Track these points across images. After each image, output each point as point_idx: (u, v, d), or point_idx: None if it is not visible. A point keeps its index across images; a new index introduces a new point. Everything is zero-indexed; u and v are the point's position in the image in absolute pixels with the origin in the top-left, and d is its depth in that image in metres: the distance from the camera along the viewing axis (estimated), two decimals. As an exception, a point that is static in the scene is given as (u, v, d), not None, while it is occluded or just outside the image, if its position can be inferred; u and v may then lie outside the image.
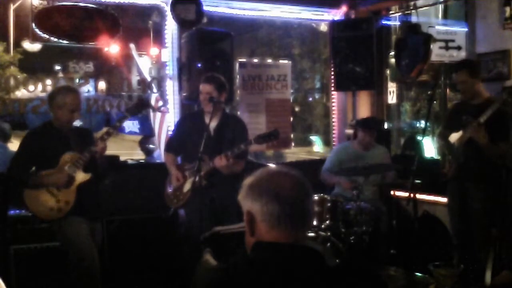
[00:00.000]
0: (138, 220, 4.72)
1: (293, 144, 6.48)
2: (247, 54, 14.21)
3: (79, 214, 3.75)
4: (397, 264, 4.00)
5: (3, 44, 14.73)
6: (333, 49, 6.13)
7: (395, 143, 6.79)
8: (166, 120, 5.57)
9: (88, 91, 7.33)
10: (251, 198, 1.59)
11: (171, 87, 5.41)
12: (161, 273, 4.58)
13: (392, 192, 5.24)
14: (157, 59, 12.61)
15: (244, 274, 1.52)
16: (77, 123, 4.16)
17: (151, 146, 6.88)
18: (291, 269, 1.50)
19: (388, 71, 6.45)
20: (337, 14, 6.29)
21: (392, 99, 6.63)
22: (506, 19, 4.83)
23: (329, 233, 4.12)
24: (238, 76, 5.75)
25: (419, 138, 5.98)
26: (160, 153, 6.10)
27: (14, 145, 5.38)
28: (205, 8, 5.28)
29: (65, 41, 5.34)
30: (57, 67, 17.87)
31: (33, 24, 5.04)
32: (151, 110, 5.74)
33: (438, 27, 6.79)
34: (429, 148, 7.91)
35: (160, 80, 5.61)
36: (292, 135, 6.30)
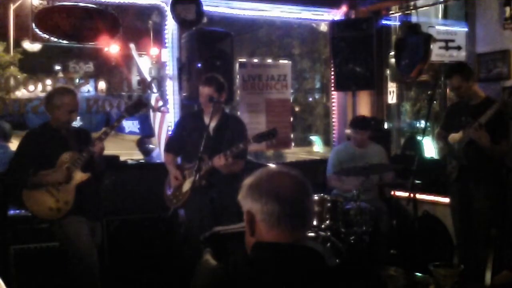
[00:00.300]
0: (138, 220, 4.72)
1: (293, 144, 6.48)
2: (247, 54, 14.20)
3: (79, 214, 3.75)
4: (397, 264, 3.99)
5: (3, 44, 14.73)
6: (333, 49, 6.12)
7: (395, 143, 6.79)
8: (166, 120, 5.56)
9: (88, 91, 7.32)
10: (251, 198, 1.59)
11: (171, 87, 5.41)
12: (161, 273, 4.59)
13: (392, 192, 5.25)
14: (157, 59, 12.60)
15: (244, 274, 1.52)
16: (77, 123, 4.17)
17: (149, 146, 6.88)
18: (291, 269, 1.50)
19: (388, 71, 6.45)
20: (337, 14, 6.29)
21: (392, 99, 6.63)
22: (506, 19, 4.83)
23: (329, 233, 4.13)
24: (238, 76, 5.75)
25: (419, 138, 5.97)
26: (159, 153, 6.10)
27: (14, 145, 5.39)
28: (205, 8, 5.28)
29: (65, 41, 5.34)
30: (57, 67, 17.86)
31: (33, 24, 5.04)
32: (151, 110, 5.74)
33: (438, 27, 6.80)
34: (429, 148, 7.91)
35: (160, 80, 5.61)
36: (292, 135, 6.30)
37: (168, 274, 4.56)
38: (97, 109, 5.17)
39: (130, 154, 7.83)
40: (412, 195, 3.83)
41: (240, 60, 5.97)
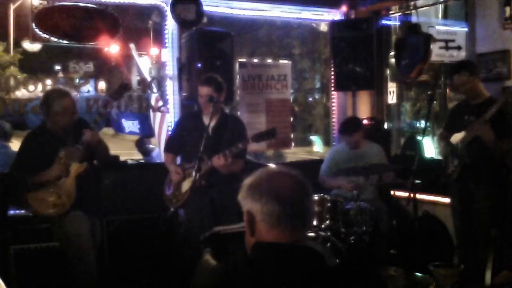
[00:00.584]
0: (138, 220, 4.72)
1: (293, 144, 6.48)
2: (247, 54, 14.21)
3: (79, 209, 3.76)
4: (397, 264, 3.99)
5: (3, 44, 14.74)
6: (333, 49, 6.12)
7: (395, 143, 6.79)
8: (166, 120, 5.56)
9: (88, 91, 7.33)
10: (251, 198, 1.59)
11: (171, 87, 5.41)
12: (161, 273, 4.59)
13: (392, 192, 5.25)
14: (157, 59, 12.61)
15: (244, 274, 1.52)
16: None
17: (149, 146, 6.88)
18: (291, 269, 1.50)
19: (388, 71, 6.45)
20: (337, 14, 6.29)
21: (392, 99, 6.63)
22: (506, 19, 4.83)
23: (329, 233, 4.12)
24: (238, 76, 5.75)
25: (419, 138, 5.98)
26: (159, 153, 6.10)
27: (15, 145, 5.39)
28: (205, 8, 5.28)
29: (65, 41, 5.34)
30: (57, 67, 17.87)
31: (33, 24, 5.04)
32: (151, 110, 5.74)
33: (438, 27, 6.80)
34: (429, 148, 7.91)
35: (160, 80, 5.61)
36: (292, 135, 6.30)
37: (168, 274, 4.56)
38: (97, 109, 5.16)
39: (130, 154, 7.82)
40: (412, 195, 3.83)
41: (240, 60, 5.97)
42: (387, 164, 5.17)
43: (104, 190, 4.28)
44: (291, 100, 6.61)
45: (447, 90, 8.90)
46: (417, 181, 3.94)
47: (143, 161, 6.37)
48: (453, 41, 6.45)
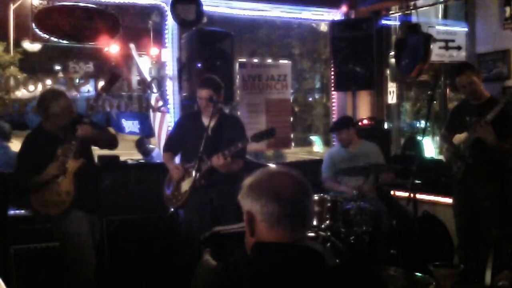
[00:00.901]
0: (138, 220, 4.72)
1: (293, 144, 6.48)
2: (247, 54, 14.20)
3: (79, 209, 3.76)
4: (397, 264, 4.00)
5: (3, 44, 14.72)
6: (333, 49, 6.12)
7: (395, 143, 6.79)
8: (166, 120, 5.56)
9: (88, 91, 7.33)
10: (251, 198, 1.59)
11: (171, 87, 5.41)
12: (161, 273, 4.59)
13: (392, 192, 5.24)
14: (157, 59, 12.60)
15: (244, 274, 1.52)
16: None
17: (149, 146, 6.88)
18: (291, 269, 1.50)
19: (388, 71, 6.45)
20: (337, 14, 6.29)
21: (392, 99, 6.63)
22: (506, 19, 4.83)
23: (329, 233, 4.12)
24: (238, 76, 5.75)
25: (419, 138, 5.98)
26: (159, 153, 6.10)
27: (14, 145, 5.39)
28: (205, 8, 5.28)
29: (65, 41, 5.34)
30: (57, 67, 17.85)
31: (33, 24, 5.04)
32: (151, 110, 5.74)
33: (438, 27, 6.80)
34: (429, 148, 7.92)
35: (160, 80, 5.61)
36: (292, 135, 6.30)
37: (168, 274, 4.56)
38: (97, 109, 5.15)
39: (130, 154, 7.82)
40: (412, 195, 3.83)
41: (240, 60, 5.97)
42: (387, 164, 5.17)
43: (104, 190, 4.28)
44: (291, 100, 6.61)
45: (447, 90, 8.90)
46: (417, 181, 3.93)
47: (143, 161, 6.37)
48: (453, 41, 6.45)
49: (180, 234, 4.26)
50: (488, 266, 3.26)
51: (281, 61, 6.39)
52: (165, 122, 5.63)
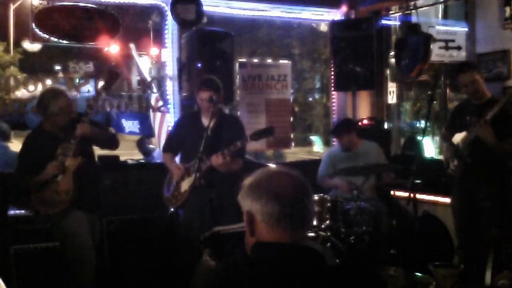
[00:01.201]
0: (138, 220, 4.71)
1: (293, 144, 6.48)
2: (247, 54, 14.20)
3: (79, 209, 3.76)
4: (397, 264, 3.99)
5: (3, 44, 14.72)
6: (333, 49, 6.12)
7: (395, 143, 6.79)
8: (166, 120, 5.56)
9: (88, 91, 7.32)
10: (251, 198, 1.59)
11: (171, 87, 5.41)
12: (161, 273, 4.58)
13: (392, 192, 5.24)
14: (157, 59, 12.60)
15: (244, 274, 1.52)
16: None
17: (150, 146, 6.88)
18: (291, 269, 1.50)
19: (388, 71, 6.45)
20: (337, 14, 6.29)
21: (392, 99, 6.63)
22: (506, 19, 4.83)
23: (329, 233, 4.12)
24: (238, 76, 5.75)
25: (419, 138, 5.98)
26: (160, 153, 6.10)
27: (14, 145, 5.39)
28: (205, 8, 5.28)
29: (65, 41, 5.33)
30: (57, 67, 17.85)
31: (33, 24, 5.04)
32: (151, 110, 5.74)
33: (438, 27, 6.81)
34: (429, 148, 7.92)
35: (160, 80, 5.61)
36: (292, 135, 6.30)
37: (168, 274, 4.56)
38: (97, 109, 5.15)
39: (130, 154, 7.82)
40: (412, 195, 3.83)
41: (240, 60, 5.98)
42: (387, 164, 5.16)
43: (104, 190, 4.28)
44: (291, 100, 6.61)
45: (447, 90, 8.90)
46: (417, 181, 3.93)
47: (143, 161, 6.38)
48: (453, 41, 6.46)
49: (180, 234, 4.26)
50: (488, 266, 3.26)
51: (281, 61, 6.39)
52: (165, 122, 5.63)
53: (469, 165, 4.18)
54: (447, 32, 6.56)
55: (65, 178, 3.73)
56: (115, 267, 4.53)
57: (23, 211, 4.21)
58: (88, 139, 3.82)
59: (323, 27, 10.84)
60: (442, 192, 4.92)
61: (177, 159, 4.38)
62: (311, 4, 6.19)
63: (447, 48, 6.44)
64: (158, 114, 5.76)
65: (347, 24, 6.09)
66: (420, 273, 3.47)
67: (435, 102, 8.62)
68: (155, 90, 5.49)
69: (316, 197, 4.27)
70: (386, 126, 6.51)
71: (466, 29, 5.81)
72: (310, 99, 17.98)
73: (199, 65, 4.89)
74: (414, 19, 6.08)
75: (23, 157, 3.85)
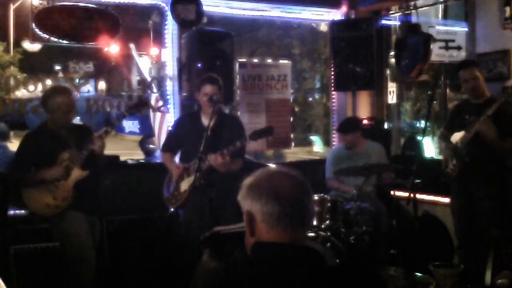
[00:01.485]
0: (138, 220, 4.72)
1: (293, 144, 6.48)
2: (247, 54, 14.21)
3: (77, 209, 3.76)
4: (397, 264, 3.99)
5: (3, 44, 14.74)
6: (333, 49, 6.12)
7: (395, 143, 6.78)
8: (166, 120, 5.56)
9: (88, 91, 7.34)
10: (251, 198, 1.59)
11: (171, 87, 5.41)
12: (161, 273, 4.58)
13: (392, 192, 5.24)
14: (157, 59, 12.61)
15: (244, 274, 1.52)
16: (77, 122, 4.16)
17: (151, 146, 6.88)
18: (291, 269, 1.50)
19: (388, 71, 6.44)
20: (337, 14, 6.29)
21: (392, 99, 6.62)
22: (506, 19, 4.83)
23: (329, 233, 4.12)
24: (238, 76, 5.75)
25: (419, 138, 5.97)
26: (160, 153, 6.10)
27: (14, 145, 5.39)
28: (205, 8, 5.28)
29: (65, 41, 5.33)
30: (57, 67, 17.87)
31: (33, 24, 5.03)
32: (151, 110, 5.74)
33: (438, 27, 6.80)
34: (429, 148, 7.91)
35: (160, 80, 5.61)
36: (292, 135, 6.30)
37: (168, 274, 4.56)
38: (97, 109, 5.16)
39: (130, 154, 7.83)
40: (412, 195, 3.83)
41: (240, 60, 5.97)
42: (387, 164, 5.17)
43: (104, 190, 4.28)
44: (291, 100, 6.61)
45: (447, 90, 8.90)
46: (417, 181, 3.93)
47: (143, 161, 6.38)
48: (453, 41, 6.45)
49: (180, 234, 4.26)
50: (488, 266, 3.26)
51: (281, 61, 6.38)
52: (165, 122, 5.63)
53: (468, 164, 4.18)
54: (447, 32, 6.56)
55: (66, 185, 3.73)
56: (115, 267, 4.53)
57: (23, 211, 4.21)
58: (95, 155, 3.82)
59: (323, 27, 10.84)
60: (442, 192, 4.92)
61: (177, 159, 4.38)
62: (311, 4, 6.19)
63: (447, 48, 6.44)
64: (158, 114, 5.76)
65: (347, 24, 6.09)
66: (420, 273, 3.47)
67: (435, 102, 8.65)
68: (155, 90, 5.49)
69: (316, 197, 4.27)
70: (386, 126, 6.51)
71: (466, 29, 5.81)
72: (310, 99, 17.99)
73: (199, 65, 4.88)
74: (414, 19, 6.08)
75: (20, 151, 3.83)
